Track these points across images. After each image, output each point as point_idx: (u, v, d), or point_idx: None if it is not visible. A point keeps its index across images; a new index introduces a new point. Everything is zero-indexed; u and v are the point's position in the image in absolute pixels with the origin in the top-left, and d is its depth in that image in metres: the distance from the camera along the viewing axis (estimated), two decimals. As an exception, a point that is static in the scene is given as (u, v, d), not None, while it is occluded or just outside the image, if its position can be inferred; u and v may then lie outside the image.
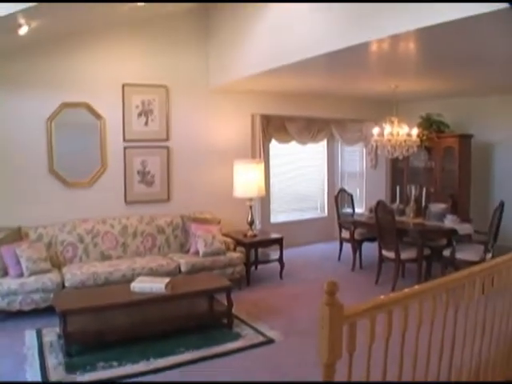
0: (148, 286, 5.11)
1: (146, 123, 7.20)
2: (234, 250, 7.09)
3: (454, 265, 6.60)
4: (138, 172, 7.19)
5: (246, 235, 7.38)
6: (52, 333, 5.14)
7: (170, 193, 7.46)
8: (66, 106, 6.56)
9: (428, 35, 4.21)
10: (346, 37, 4.70)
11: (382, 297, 2.64)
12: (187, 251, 6.94)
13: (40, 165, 6.49)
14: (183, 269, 6.39)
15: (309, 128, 9.34)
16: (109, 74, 6.86)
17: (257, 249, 7.51)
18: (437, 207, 7.50)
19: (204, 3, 7.14)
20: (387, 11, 4.22)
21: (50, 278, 5.65)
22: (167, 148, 7.38)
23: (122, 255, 6.63)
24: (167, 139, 7.38)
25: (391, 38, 4.43)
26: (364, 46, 4.73)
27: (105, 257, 6.52)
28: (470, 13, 3.44)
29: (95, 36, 6.65)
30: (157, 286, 5.10)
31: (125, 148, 7.06)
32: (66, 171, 6.63)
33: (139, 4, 5.66)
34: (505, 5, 3.20)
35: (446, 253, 6.74)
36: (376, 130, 7.28)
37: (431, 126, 8.58)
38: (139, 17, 6.60)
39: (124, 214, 6.98)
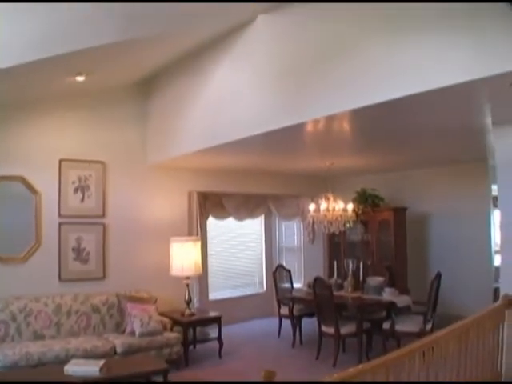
0: (82, 369, 4.86)
1: (82, 199, 7.08)
2: (171, 329, 6.89)
3: (395, 337, 6.67)
4: (73, 249, 6.99)
5: (183, 314, 7.19)
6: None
7: (105, 270, 7.25)
8: (0, 179, 6.39)
9: (362, 115, 4.40)
10: (281, 118, 4.82)
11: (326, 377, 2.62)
12: (123, 331, 6.69)
13: (-28, 239, 6.25)
14: (119, 350, 6.14)
15: (246, 204, 9.39)
16: (45, 149, 6.76)
17: (195, 328, 7.33)
18: (375, 280, 7.57)
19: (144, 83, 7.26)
20: (321, 92, 4.38)
21: (-19, 359, 5.35)
22: (103, 225, 7.24)
23: (55, 335, 6.33)
24: (103, 216, 7.25)
25: (326, 119, 4.59)
26: (299, 127, 4.88)
27: (38, 336, 6.21)
28: (401, 94, 3.64)
29: (32, 109, 6.57)
30: (91, 369, 4.87)
31: (60, 224, 6.88)
32: (-1, 246, 6.41)
33: (78, 79, 5.68)
34: (433, 85, 3.41)
35: (386, 325, 6.79)
36: (312, 206, 7.43)
37: (366, 200, 8.81)
38: (77, 92, 6.57)
39: (58, 291, 6.69)
